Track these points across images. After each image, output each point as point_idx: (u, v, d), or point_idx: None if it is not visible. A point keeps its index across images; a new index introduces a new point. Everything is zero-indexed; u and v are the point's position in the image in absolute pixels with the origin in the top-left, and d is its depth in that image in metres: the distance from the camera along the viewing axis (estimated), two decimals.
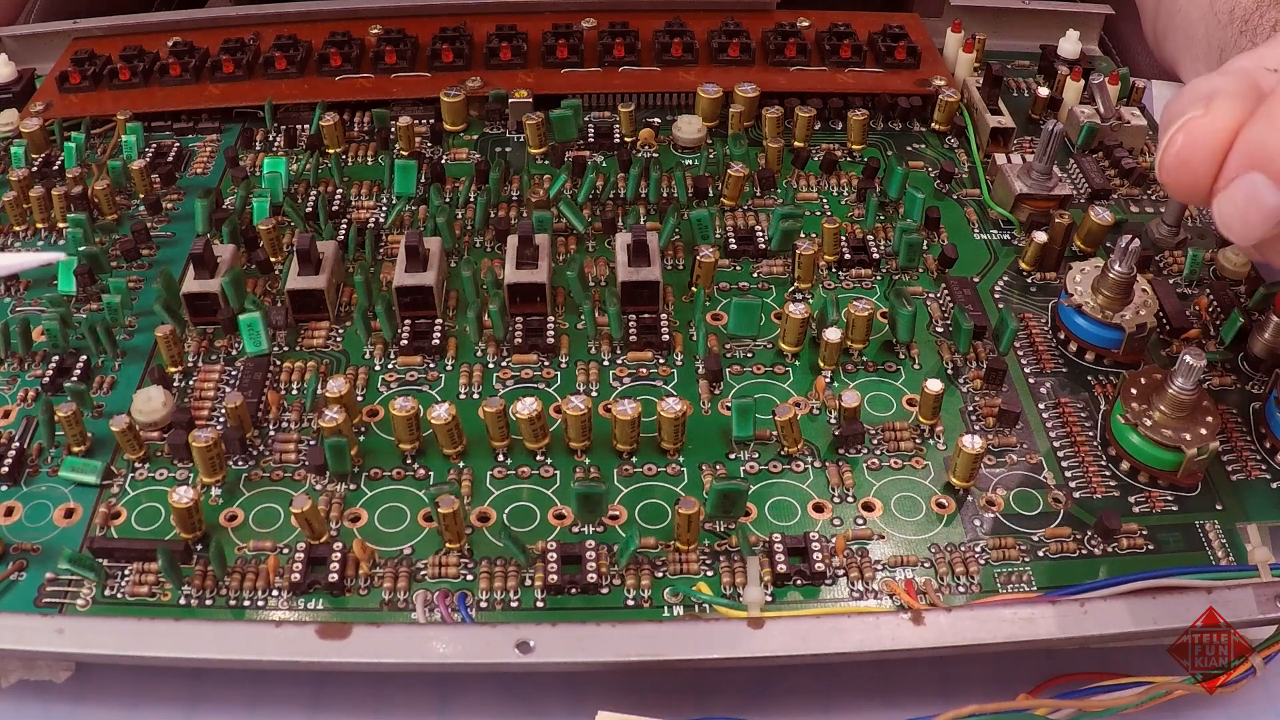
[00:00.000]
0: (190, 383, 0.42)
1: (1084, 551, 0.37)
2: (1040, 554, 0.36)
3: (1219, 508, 0.38)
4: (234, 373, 0.43)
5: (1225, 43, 0.53)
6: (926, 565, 0.36)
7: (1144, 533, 0.37)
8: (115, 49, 0.57)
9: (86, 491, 0.38)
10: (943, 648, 0.32)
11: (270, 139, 0.55)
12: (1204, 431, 0.37)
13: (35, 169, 0.52)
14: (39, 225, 0.49)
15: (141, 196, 0.50)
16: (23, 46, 0.60)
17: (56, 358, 0.43)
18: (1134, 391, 0.39)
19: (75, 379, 0.42)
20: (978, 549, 0.37)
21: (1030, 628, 0.32)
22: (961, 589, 0.35)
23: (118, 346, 0.43)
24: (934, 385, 0.39)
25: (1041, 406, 0.41)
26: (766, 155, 0.52)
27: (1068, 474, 0.39)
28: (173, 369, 0.42)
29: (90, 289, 0.46)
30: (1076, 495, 0.38)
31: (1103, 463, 0.39)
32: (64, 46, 0.59)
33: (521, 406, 0.38)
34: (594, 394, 0.42)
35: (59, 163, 0.52)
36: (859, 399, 0.39)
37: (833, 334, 0.41)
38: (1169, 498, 0.38)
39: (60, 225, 0.49)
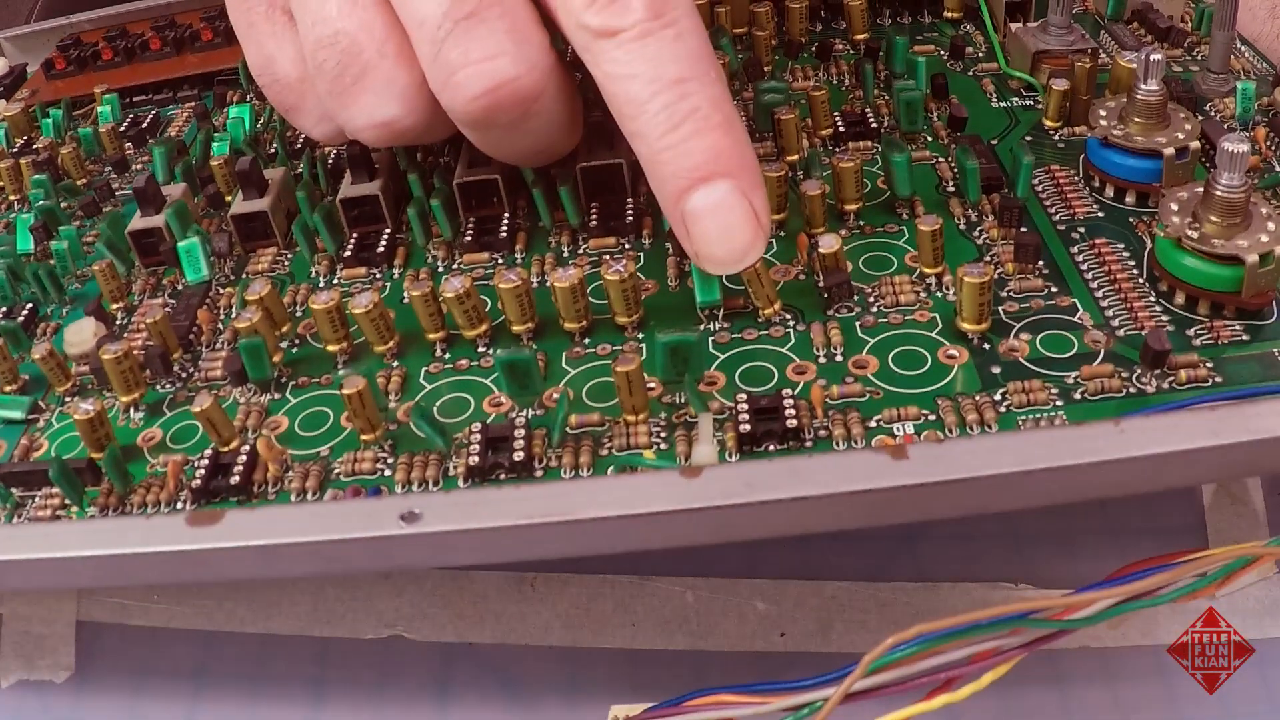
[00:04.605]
0: (130, 319, 0.39)
1: (1131, 390, 0.29)
2: (1076, 395, 0.29)
3: None
4: (176, 304, 0.40)
5: None
6: (932, 419, 0.29)
7: (1208, 365, 0.30)
8: (101, 36, 0.57)
9: (13, 428, 0.36)
10: (932, 483, 0.25)
11: (247, 100, 0.53)
12: (1264, 238, 0.30)
13: (16, 150, 0.51)
14: (12, 198, 0.48)
15: (109, 155, 0.49)
16: (21, 46, 0.61)
17: (4, 309, 0.41)
18: (1174, 208, 0.32)
19: (11, 320, 0.39)
20: (996, 396, 0.30)
21: (1052, 453, 0.25)
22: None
23: (64, 292, 0.41)
24: (928, 222, 0.33)
25: (1075, 250, 0.35)
26: (754, 45, 0.47)
27: (1109, 313, 0.32)
28: (114, 305, 0.40)
29: (46, 244, 0.44)
30: (1121, 334, 0.31)
31: (1151, 299, 0.32)
32: (56, 42, 0.59)
33: (447, 286, 0.33)
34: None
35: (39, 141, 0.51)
36: (838, 243, 0.33)
37: (812, 187, 0.36)
38: (1236, 327, 0.31)
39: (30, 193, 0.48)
